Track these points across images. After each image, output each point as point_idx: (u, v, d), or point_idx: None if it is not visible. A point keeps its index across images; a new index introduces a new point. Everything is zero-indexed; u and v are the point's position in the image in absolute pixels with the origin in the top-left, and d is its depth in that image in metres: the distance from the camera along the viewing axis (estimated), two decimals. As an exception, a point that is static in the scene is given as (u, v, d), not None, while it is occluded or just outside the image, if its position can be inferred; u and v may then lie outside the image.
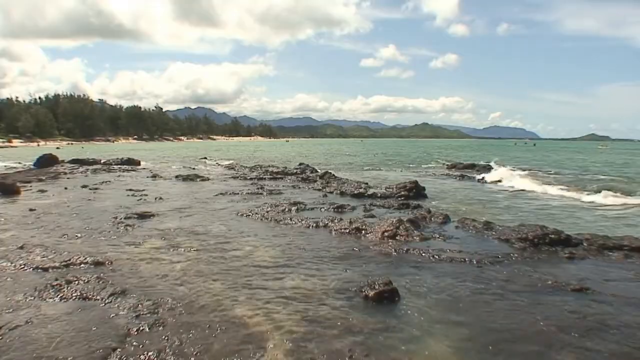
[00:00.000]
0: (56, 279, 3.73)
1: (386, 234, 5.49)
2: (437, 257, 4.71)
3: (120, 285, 3.63)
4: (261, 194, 9.69)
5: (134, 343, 2.68)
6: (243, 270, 4.17)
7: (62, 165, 17.21)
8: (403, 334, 2.90)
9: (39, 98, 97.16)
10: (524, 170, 18.78)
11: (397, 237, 5.42)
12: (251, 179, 13.06)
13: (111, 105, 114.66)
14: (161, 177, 13.58)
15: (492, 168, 18.05)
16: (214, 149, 50.31)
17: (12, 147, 57.16)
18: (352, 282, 3.83)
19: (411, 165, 23.57)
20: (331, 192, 10.09)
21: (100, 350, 2.59)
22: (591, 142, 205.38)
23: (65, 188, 10.36)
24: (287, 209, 7.42)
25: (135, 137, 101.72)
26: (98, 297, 3.40)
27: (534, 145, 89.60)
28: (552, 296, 3.63)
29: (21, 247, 4.77)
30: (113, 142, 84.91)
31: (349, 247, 5.08)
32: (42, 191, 9.70)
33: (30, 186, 10.65)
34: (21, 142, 67.36)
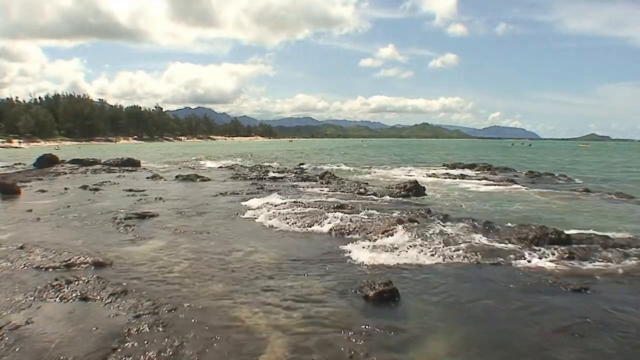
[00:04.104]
0: (56, 279, 3.73)
1: (386, 233, 5.48)
2: (436, 256, 4.71)
3: (120, 285, 3.63)
4: (261, 194, 9.68)
5: (134, 343, 2.68)
6: (243, 270, 4.17)
7: (62, 166, 17.19)
8: (403, 334, 2.91)
9: (39, 98, 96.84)
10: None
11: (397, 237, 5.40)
12: (251, 179, 13.05)
13: (111, 105, 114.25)
14: (161, 177, 13.55)
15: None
16: (214, 149, 50.25)
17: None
18: (352, 282, 3.83)
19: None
20: (331, 192, 10.08)
21: (100, 350, 2.59)
22: (590, 141, 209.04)
23: (66, 188, 10.35)
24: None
25: (135, 137, 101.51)
26: (98, 297, 3.40)
27: (530, 145, 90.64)
28: (552, 296, 3.63)
29: (21, 247, 4.77)
30: (115, 142, 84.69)
31: (349, 247, 5.07)
32: (42, 191, 9.71)
33: (31, 186, 10.66)
34: (20, 141, 67.15)
